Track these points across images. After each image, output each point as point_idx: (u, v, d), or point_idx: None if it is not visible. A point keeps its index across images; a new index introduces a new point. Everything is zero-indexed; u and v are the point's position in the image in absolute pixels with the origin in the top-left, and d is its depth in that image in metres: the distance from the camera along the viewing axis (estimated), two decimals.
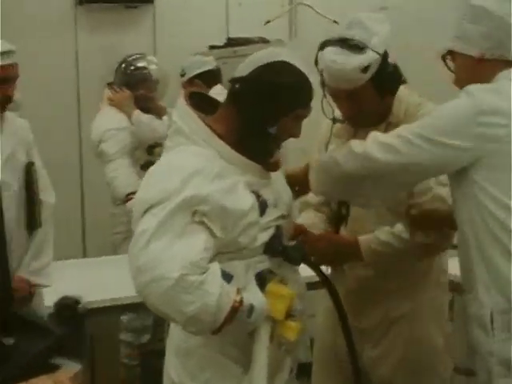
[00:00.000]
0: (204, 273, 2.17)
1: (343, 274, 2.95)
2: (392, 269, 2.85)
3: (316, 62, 2.76)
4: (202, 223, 2.22)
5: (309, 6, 6.03)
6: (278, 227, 2.44)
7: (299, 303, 2.45)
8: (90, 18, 6.48)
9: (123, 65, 5.34)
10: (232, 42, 6.57)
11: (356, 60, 2.66)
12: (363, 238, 2.81)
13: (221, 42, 6.66)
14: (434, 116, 2.43)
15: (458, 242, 2.50)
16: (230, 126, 2.39)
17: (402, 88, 2.83)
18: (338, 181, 2.56)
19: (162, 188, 2.22)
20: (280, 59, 2.38)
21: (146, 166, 5.29)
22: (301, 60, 2.41)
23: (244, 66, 2.41)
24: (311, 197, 3.02)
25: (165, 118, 5.35)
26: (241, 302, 2.22)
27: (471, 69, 2.50)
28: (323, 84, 2.76)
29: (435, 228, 2.75)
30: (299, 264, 2.51)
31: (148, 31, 6.75)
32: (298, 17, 6.51)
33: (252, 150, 2.39)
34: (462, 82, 2.51)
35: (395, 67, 2.76)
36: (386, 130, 2.74)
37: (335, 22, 5.80)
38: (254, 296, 2.29)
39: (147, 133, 5.19)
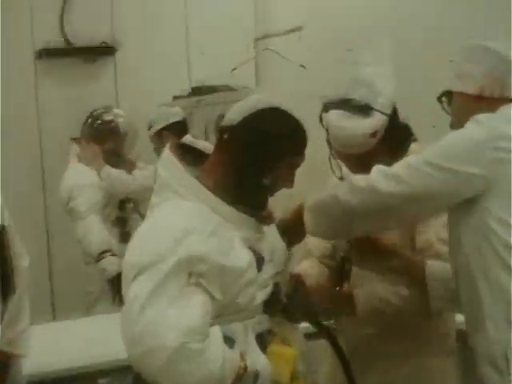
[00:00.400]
0: (205, 339, 2.02)
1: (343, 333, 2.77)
2: (393, 329, 2.67)
3: (320, 119, 2.65)
4: (199, 285, 2.07)
5: (274, 51, 5.91)
6: (276, 285, 2.30)
7: (301, 363, 2.30)
8: (51, 72, 6.32)
9: (90, 119, 5.24)
10: (196, 92, 6.45)
11: (363, 125, 2.55)
12: (360, 292, 2.65)
13: (184, 91, 6.54)
14: (443, 144, 2.30)
15: (462, 278, 2.36)
16: (220, 178, 2.25)
17: (412, 145, 2.70)
18: (338, 219, 2.40)
19: (154, 249, 2.06)
20: (271, 105, 2.26)
21: (117, 223, 5.19)
22: (292, 106, 2.29)
23: (233, 114, 2.28)
24: (314, 248, 2.88)
25: (135, 171, 5.24)
26: (245, 368, 2.07)
27: (469, 108, 2.40)
28: (329, 143, 2.64)
29: (373, 255, 2.61)
30: (300, 322, 2.36)
31: (110, 84, 6.61)
32: (263, 63, 6.40)
33: (245, 203, 2.26)
34: (459, 122, 2.41)
35: (405, 126, 2.65)
36: None
37: (302, 66, 5.75)
38: (257, 360, 2.14)
39: (118, 188, 5.08)
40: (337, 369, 2.60)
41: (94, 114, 5.25)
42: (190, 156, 2.33)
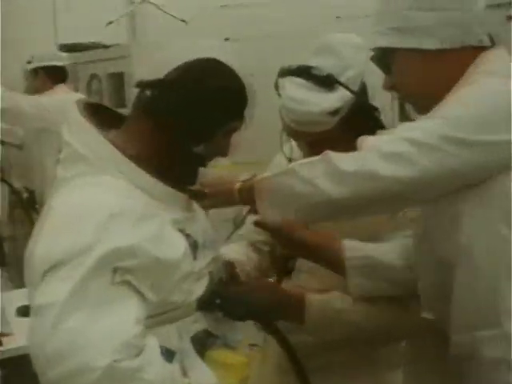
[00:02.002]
0: (139, 354, 1.58)
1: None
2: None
3: (276, 88, 2.21)
4: (126, 284, 1.62)
5: (154, 4, 5.47)
6: (211, 274, 1.89)
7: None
8: None
9: None
10: (65, 49, 5.95)
11: (323, 100, 2.12)
12: (313, 299, 2.19)
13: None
14: (459, 110, 1.84)
15: (458, 267, 1.89)
16: (143, 145, 1.81)
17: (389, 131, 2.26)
18: (318, 209, 1.93)
19: (71, 240, 1.59)
20: (208, 56, 1.83)
21: None
22: (234, 57, 1.86)
23: (157, 66, 1.83)
24: (249, 233, 2.46)
25: None
26: None
27: (427, 66, 1.99)
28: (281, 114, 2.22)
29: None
30: (243, 320, 1.94)
31: None
32: (140, 18, 5.93)
33: (173, 176, 1.83)
34: (410, 84, 2.03)
35: (373, 108, 2.21)
36: None
37: (183, 21, 5.39)
38: (201, 375, 1.72)
39: None
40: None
41: None
42: (101, 117, 1.87)
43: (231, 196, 2.11)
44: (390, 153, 1.82)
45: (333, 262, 2.15)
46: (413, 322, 2.12)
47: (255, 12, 5.62)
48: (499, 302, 1.83)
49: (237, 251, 2.40)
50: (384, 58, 2.06)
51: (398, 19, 1.99)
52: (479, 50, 1.97)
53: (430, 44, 1.96)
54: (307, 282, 2.30)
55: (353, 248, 2.14)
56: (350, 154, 1.87)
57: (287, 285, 2.35)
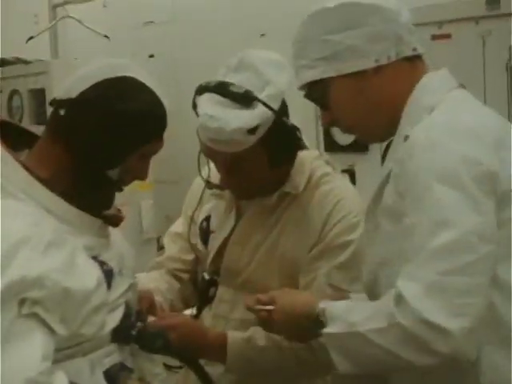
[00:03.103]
0: None
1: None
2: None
3: (194, 106, 2.10)
4: (33, 316, 1.51)
5: (75, 19, 5.34)
6: (127, 305, 1.80)
7: None
8: None
9: None
10: None
11: (240, 118, 2.00)
12: (233, 338, 2.12)
13: None
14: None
15: None
16: (54, 167, 1.73)
17: (310, 152, 2.21)
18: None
19: None
20: (123, 74, 1.76)
21: None
22: (152, 77, 1.79)
23: (71, 84, 1.76)
24: (168, 261, 2.37)
25: None
26: None
27: (365, 89, 1.86)
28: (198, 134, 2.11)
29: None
30: (160, 353, 1.85)
31: None
32: (63, 33, 5.79)
33: (86, 200, 1.74)
34: (352, 113, 1.89)
35: (293, 128, 2.10)
36: (278, 202, 2.16)
37: (106, 36, 5.28)
38: None
39: None
40: None
41: None
42: (13, 136, 1.77)
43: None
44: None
45: None
46: None
47: (180, 29, 5.54)
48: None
49: (157, 279, 2.31)
50: (317, 92, 1.91)
51: (322, 47, 1.85)
52: (414, 60, 1.88)
53: (364, 64, 1.85)
54: (229, 312, 2.22)
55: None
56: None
57: (208, 315, 2.27)
